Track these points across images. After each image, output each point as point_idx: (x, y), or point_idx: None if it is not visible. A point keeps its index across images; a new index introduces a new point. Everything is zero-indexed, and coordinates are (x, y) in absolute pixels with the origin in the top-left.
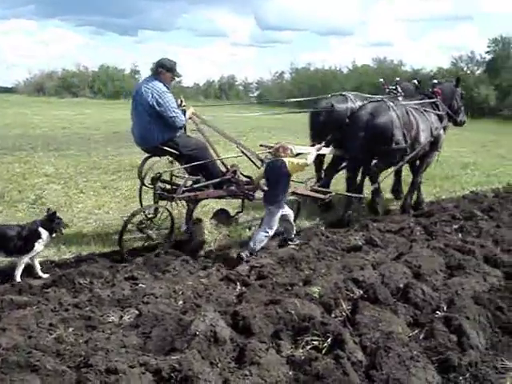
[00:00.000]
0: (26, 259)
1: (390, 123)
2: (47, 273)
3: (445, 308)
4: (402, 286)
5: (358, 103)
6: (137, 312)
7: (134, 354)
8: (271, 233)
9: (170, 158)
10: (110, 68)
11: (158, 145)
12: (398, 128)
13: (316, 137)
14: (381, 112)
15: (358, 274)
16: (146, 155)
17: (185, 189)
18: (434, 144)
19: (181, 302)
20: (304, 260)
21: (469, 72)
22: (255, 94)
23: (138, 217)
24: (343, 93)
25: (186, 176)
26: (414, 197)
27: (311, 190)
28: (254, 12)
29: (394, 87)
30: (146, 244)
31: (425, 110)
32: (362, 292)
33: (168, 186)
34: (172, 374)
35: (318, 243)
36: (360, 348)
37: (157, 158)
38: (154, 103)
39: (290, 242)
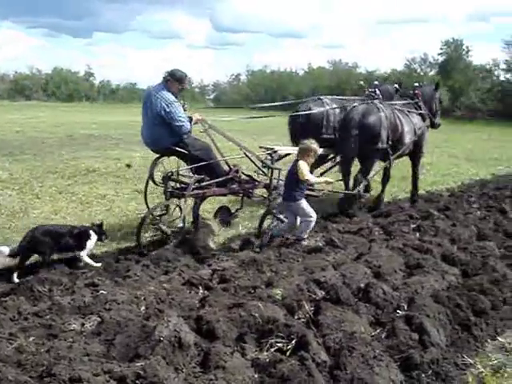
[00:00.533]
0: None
1: (378, 123)
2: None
3: (405, 307)
4: (363, 286)
5: (334, 106)
6: (99, 319)
7: (97, 361)
8: (314, 217)
9: (177, 159)
10: (63, 70)
11: (170, 146)
12: (384, 128)
13: (295, 139)
14: (372, 112)
15: (320, 276)
16: (156, 155)
17: (194, 187)
18: (419, 142)
19: (143, 308)
20: (266, 262)
21: (422, 73)
22: (211, 97)
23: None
24: (320, 97)
25: (191, 175)
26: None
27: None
28: (209, 14)
29: (373, 90)
30: (160, 238)
31: (408, 111)
32: (324, 293)
33: (178, 185)
34: (137, 381)
35: (278, 245)
36: (324, 349)
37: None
38: (163, 112)
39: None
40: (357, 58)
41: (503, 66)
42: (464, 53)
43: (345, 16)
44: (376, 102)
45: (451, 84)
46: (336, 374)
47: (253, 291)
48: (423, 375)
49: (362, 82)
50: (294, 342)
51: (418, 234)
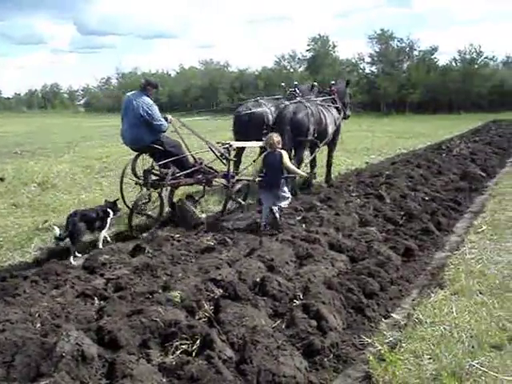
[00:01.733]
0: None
1: (306, 118)
2: None
3: (301, 296)
4: (258, 280)
5: (270, 105)
6: None
7: None
8: (289, 199)
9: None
10: None
11: (149, 144)
12: (311, 123)
13: (240, 135)
14: (300, 110)
15: (216, 274)
16: (136, 153)
17: (170, 178)
18: (337, 131)
19: (39, 325)
20: (159, 266)
21: (292, 70)
22: (82, 102)
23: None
24: (257, 98)
25: (162, 170)
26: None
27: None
28: (73, 17)
29: (293, 89)
30: (147, 222)
31: (328, 105)
32: (222, 291)
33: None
34: None
35: (170, 248)
36: (228, 345)
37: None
38: (145, 114)
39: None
40: (228, 57)
41: (368, 60)
42: (330, 48)
43: (215, 15)
44: (303, 100)
45: (320, 79)
46: (243, 368)
47: (150, 296)
48: (325, 359)
49: (283, 84)
50: (198, 342)
51: (304, 226)
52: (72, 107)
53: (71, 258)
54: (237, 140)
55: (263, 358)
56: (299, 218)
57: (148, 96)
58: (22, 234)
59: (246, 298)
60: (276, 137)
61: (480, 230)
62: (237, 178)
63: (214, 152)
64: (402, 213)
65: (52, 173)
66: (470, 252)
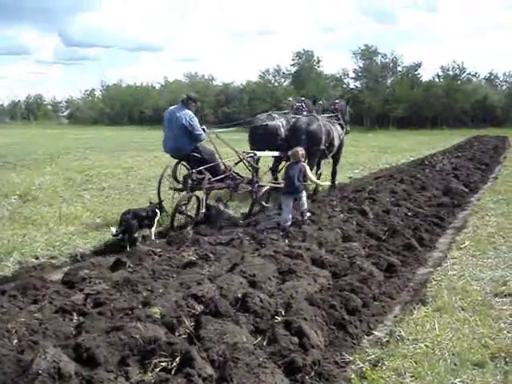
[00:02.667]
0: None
1: (322, 130)
2: None
3: (283, 312)
4: (240, 296)
5: (282, 119)
6: None
7: None
8: (306, 206)
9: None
10: None
11: (189, 152)
12: (323, 134)
13: (255, 146)
14: (314, 122)
15: (197, 290)
16: (176, 160)
17: (207, 182)
18: (341, 145)
19: (16, 341)
20: (140, 282)
21: (276, 84)
22: (65, 114)
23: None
24: (269, 113)
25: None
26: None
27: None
28: (57, 28)
29: (300, 104)
30: (186, 221)
31: (333, 122)
32: (203, 307)
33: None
34: None
35: (151, 263)
36: (209, 362)
37: None
38: (187, 124)
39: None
40: (213, 70)
41: (352, 75)
42: (315, 63)
43: (200, 29)
44: (314, 113)
45: (304, 93)
46: None
47: (130, 312)
48: (307, 377)
49: (290, 99)
50: (178, 359)
51: (287, 241)
52: (55, 119)
53: (128, 248)
54: (253, 150)
55: (244, 376)
56: (282, 232)
57: (189, 109)
58: (1, 248)
59: (227, 314)
60: (301, 150)
61: (463, 246)
62: (260, 183)
63: (242, 160)
64: (385, 228)
65: (33, 185)
66: (452, 268)
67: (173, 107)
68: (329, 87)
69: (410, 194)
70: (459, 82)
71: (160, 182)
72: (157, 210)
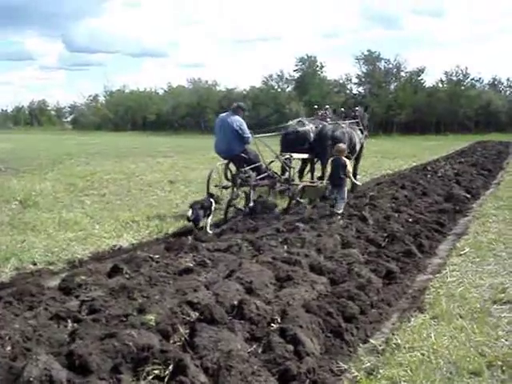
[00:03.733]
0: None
1: (346, 135)
2: None
3: (279, 320)
4: (236, 303)
5: (311, 125)
6: None
7: None
8: (346, 200)
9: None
10: None
11: (238, 153)
12: (346, 139)
13: (287, 149)
14: (339, 128)
15: (193, 297)
16: (226, 161)
17: (254, 179)
18: (361, 148)
19: (9, 348)
20: (136, 288)
21: (279, 90)
22: (69, 119)
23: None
24: (300, 119)
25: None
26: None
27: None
28: (61, 34)
29: (324, 111)
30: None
31: (354, 127)
32: (198, 314)
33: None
34: None
35: (148, 269)
36: (202, 370)
37: None
38: (238, 128)
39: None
40: (216, 76)
41: (355, 80)
42: (318, 68)
43: (204, 35)
44: (340, 122)
45: (308, 99)
46: None
47: (125, 319)
48: None
49: (316, 106)
50: (171, 367)
51: (285, 247)
52: (59, 124)
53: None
54: (285, 153)
55: None
56: (281, 239)
57: (239, 115)
58: None
59: (222, 321)
60: (343, 146)
61: (463, 253)
62: (295, 182)
63: (281, 161)
64: (385, 234)
65: (34, 190)
66: (451, 275)
67: (224, 114)
68: (332, 93)
69: (411, 199)
70: (463, 88)
71: (209, 180)
72: (212, 201)
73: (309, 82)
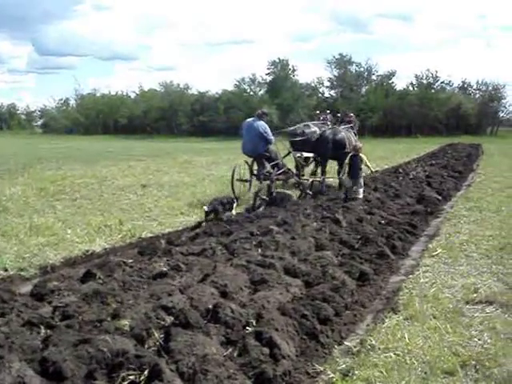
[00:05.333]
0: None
1: (344, 139)
2: None
3: (254, 323)
4: (211, 307)
5: (315, 128)
6: None
7: None
8: (363, 187)
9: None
10: None
11: (262, 152)
12: (347, 141)
13: (296, 149)
14: (338, 133)
15: (167, 301)
16: (251, 159)
17: (275, 175)
18: None
19: None
20: (110, 293)
21: (252, 93)
22: (39, 123)
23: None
24: (307, 123)
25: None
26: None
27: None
28: (31, 37)
29: (325, 116)
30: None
31: (350, 131)
32: (172, 318)
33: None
34: None
35: (122, 274)
36: (178, 375)
37: None
38: (263, 131)
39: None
40: (188, 79)
41: (327, 84)
42: (290, 72)
43: (175, 38)
44: (336, 126)
45: (280, 102)
46: None
47: (99, 325)
48: None
49: (317, 112)
50: (146, 372)
51: (259, 250)
52: (29, 128)
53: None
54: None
55: None
56: (255, 242)
57: (263, 120)
58: None
59: (197, 325)
60: (360, 143)
61: (435, 254)
62: (305, 177)
63: (295, 159)
64: (358, 237)
65: (4, 195)
66: (424, 276)
67: (250, 119)
68: (304, 96)
69: (383, 202)
70: (433, 91)
71: (233, 177)
72: (234, 200)
73: (281, 85)
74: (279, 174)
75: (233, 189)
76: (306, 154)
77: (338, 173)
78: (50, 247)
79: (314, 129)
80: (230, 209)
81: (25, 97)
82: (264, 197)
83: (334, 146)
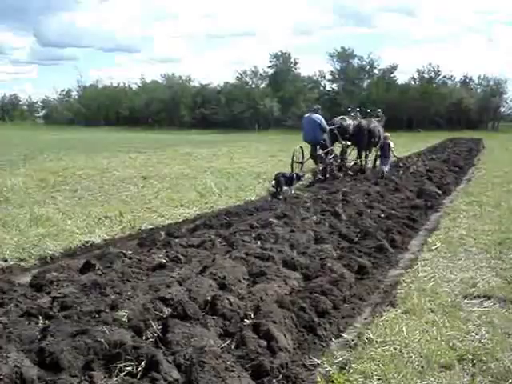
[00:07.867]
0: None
1: (376, 129)
2: None
3: (252, 315)
4: (209, 298)
5: (351, 120)
6: None
7: None
8: (390, 166)
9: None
10: None
11: (321, 140)
12: (378, 131)
13: (333, 139)
14: (372, 123)
15: (166, 293)
16: (312, 146)
17: (329, 158)
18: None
19: None
20: (108, 284)
21: (254, 86)
22: (41, 114)
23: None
24: (343, 117)
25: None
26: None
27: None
28: (33, 28)
29: (356, 112)
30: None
31: (379, 124)
32: (170, 310)
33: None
34: None
35: (121, 265)
36: (175, 366)
37: None
38: (320, 122)
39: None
40: (190, 71)
41: (329, 77)
42: (292, 65)
43: (176, 29)
44: (372, 119)
45: (281, 95)
46: None
47: (97, 316)
48: (274, 380)
49: (349, 109)
50: (143, 363)
51: (259, 243)
52: (31, 119)
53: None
54: (333, 142)
55: (210, 380)
56: (254, 234)
57: (319, 114)
58: None
59: (195, 317)
60: (388, 134)
61: (434, 248)
62: (347, 160)
63: (343, 146)
64: (358, 230)
65: (5, 186)
66: (422, 270)
67: (308, 114)
68: (305, 89)
69: (383, 195)
70: (434, 85)
71: (293, 158)
72: (295, 177)
73: (283, 78)
74: (331, 159)
75: (292, 169)
76: (344, 142)
77: (360, 156)
78: (49, 238)
79: (349, 121)
80: (291, 184)
81: (27, 88)
82: (319, 175)
83: (368, 134)
